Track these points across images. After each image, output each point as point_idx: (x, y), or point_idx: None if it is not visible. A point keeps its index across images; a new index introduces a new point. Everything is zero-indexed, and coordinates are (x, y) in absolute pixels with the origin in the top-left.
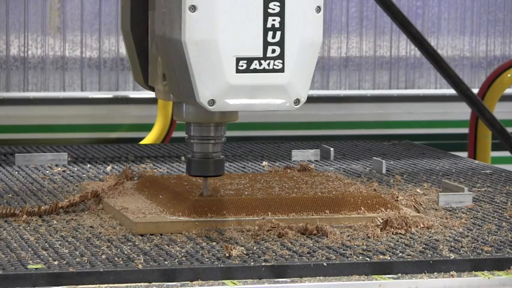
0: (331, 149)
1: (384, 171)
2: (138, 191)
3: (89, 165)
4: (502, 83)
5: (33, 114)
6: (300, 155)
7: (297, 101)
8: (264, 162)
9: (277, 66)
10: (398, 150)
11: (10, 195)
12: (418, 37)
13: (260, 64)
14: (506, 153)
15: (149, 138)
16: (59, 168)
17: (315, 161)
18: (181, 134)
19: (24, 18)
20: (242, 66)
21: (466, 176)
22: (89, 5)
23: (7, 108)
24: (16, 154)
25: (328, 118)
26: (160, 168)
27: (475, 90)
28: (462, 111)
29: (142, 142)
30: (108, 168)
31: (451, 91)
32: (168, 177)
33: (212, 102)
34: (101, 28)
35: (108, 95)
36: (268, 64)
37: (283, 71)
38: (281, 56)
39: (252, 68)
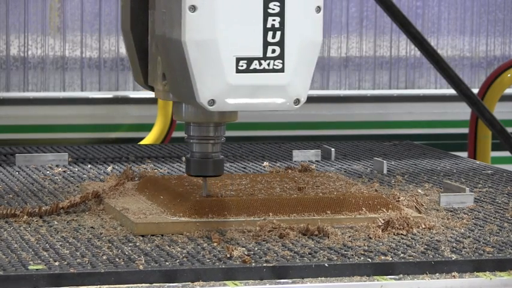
0: (332, 149)
1: (385, 171)
2: (138, 192)
3: (89, 166)
4: (502, 83)
5: (33, 114)
6: (301, 156)
7: (297, 101)
8: (265, 162)
9: (277, 66)
10: (400, 151)
11: (11, 196)
12: (418, 37)
13: (260, 64)
14: (506, 153)
15: (149, 138)
16: (60, 169)
17: (316, 161)
18: (181, 134)
19: (24, 18)
20: (242, 66)
21: (467, 177)
22: (89, 5)
23: (7, 108)
24: (16, 154)
25: (328, 118)
26: (161, 168)
27: (475, 90)
28: (462, 111)
29: (142, 142)
30: (109, 168)
31: (451, 91)
32: (168, 178)
33: (212, 102)
34: (101, 28)
35: (108, 95)
36: (268, 64)
37: (283, 71)
38: (281, 56)
39: (252, 68)
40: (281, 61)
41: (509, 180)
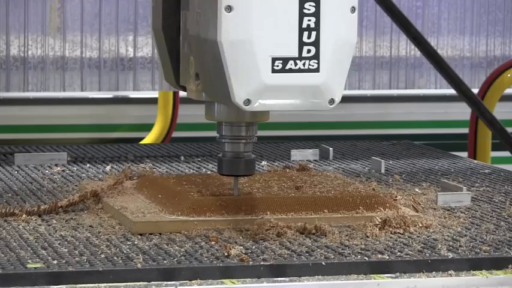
0: (330, 148)
1: (382, 170)
2: (137, 191)
3: (88, 165)
4: (502, 83)
5: (33, 114)
6: (299, 155)
7: (332, 101)
8: (263, 161)
9: (313, 66)
10: (398, 150)
11: (10, 195)
12: (418, 37)
13: (295, 64)
14: (506, 153)
15: (149, 138)
16: (59, 168)
17: (314, 160)
18: (181, 134)
19: (24, 18)
20: (278, 66)
21: (464, 176)
22: (89, 5)
23: (7, 108)
24: (16, 154)
25: (328, 118)
26: (159, 168)
27: (475, 90)
28: (462, 111)
29: (142, 142)
30: (108, 167)
31: (451, 91)
32: (167, 177)
33: (248, 102)
34: (101, 28)
35: (108, 95)
36: (304, 64)
37: (318, 71)
38: (316, 56)
39: (287, 68)
40: (316, 61)
41: (506, 179)
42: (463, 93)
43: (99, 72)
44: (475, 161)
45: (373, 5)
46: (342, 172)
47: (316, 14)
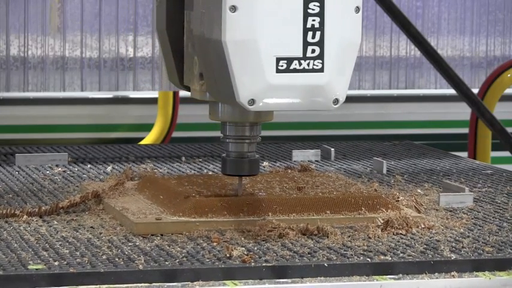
0: (332, 149)
1: (384, 171)
2: (138, 192)
3: (89, 166)
4: (502, 83)
5: (33, 114)
6: (300, 155)
7: (336, 101)
8: (264, 162)
9: (317, 66)
10: (399, 151)
11: (10, 196)
12: (418, 37)
13: (300, 64)
14: (506, 153)
15: (149, 138)
16: (60, 169)
17: (316, 161)
18: (181, 134)
19: (24, 18)
20: (282, 66)
21: (466, 177)
22: (89, 5)
23: (7, 108)
24: (16, 154)
25: (328, 118)
26: (160, 168)
27: (475, 90)
28: (462, 111)
29: (142, 142)
30: (109, 168)
31: (451, 91)
32: (168, 178)
33: (252, 101)
34: (101, 28)
35: (108, 95)
36: (308, 64)
37: (322, 71)
38: (321, 56)
39: (291, 68)
40: (321, 61)
41: (508, 180)
42: (463, 93)
43: (99, 72)
44: (477, 162)
45: (373, 5)
46: (344, 173)
47: (321, 14)
